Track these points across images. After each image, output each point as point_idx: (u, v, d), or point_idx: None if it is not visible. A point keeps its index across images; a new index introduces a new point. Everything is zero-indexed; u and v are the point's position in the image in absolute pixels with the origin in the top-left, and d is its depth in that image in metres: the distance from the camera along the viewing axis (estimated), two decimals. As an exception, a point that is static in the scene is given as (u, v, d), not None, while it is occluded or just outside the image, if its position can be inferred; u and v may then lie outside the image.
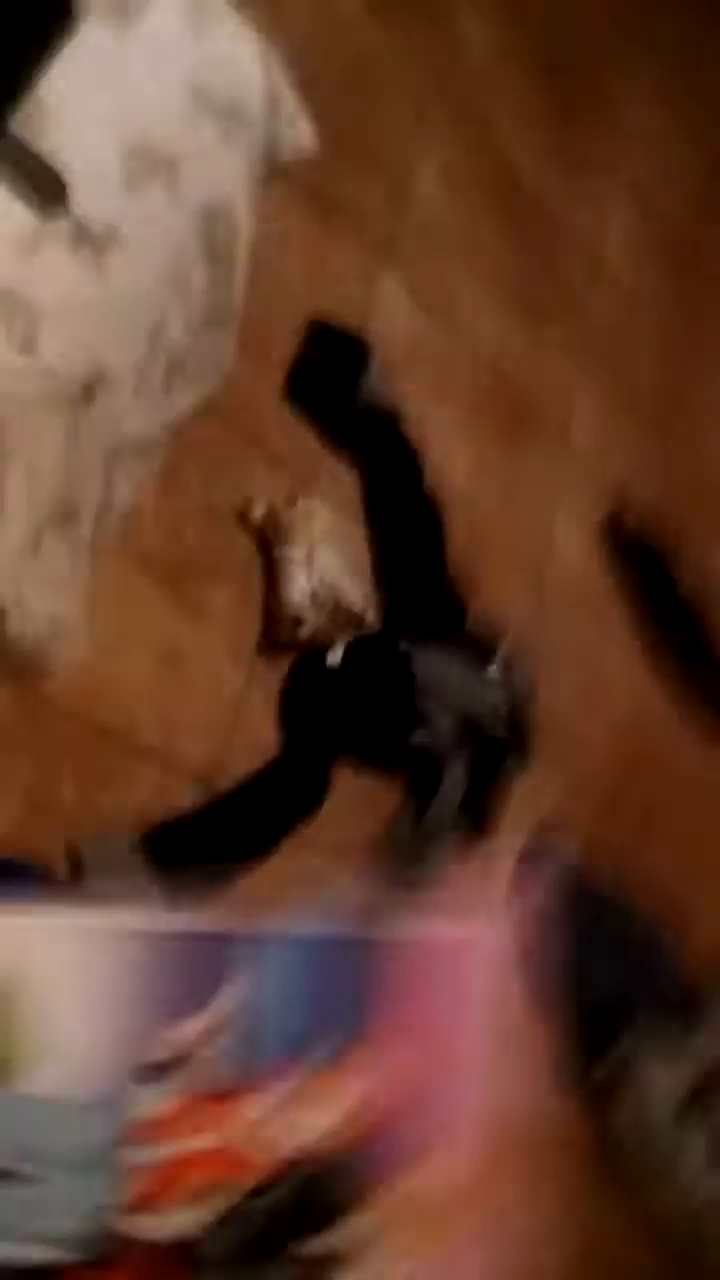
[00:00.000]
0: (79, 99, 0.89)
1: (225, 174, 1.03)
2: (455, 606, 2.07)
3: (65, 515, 0.97)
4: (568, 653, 2.15)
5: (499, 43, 2.47)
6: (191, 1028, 0.32)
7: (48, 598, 0.99)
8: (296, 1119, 0.32)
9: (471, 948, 0.35)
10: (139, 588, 1.62)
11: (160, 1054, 0.32)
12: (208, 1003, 0.32)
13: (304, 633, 1.84)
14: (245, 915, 0.34)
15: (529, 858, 1.60)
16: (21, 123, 0.86)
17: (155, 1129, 0.31)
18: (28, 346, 0.85)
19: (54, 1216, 0.30)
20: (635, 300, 2.54)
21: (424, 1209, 0.33)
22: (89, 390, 0.92)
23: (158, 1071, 0.32)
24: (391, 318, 2.16)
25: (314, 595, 1.86)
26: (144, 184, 0.94)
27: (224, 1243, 0.31)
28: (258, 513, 1.87)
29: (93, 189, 0.89)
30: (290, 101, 1.11)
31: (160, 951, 0.32)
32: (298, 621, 1.83)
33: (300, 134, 1.14)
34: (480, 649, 2.03)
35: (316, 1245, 0.32)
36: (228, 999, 0.32)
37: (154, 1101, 0.31)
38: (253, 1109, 0.32)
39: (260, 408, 1.86)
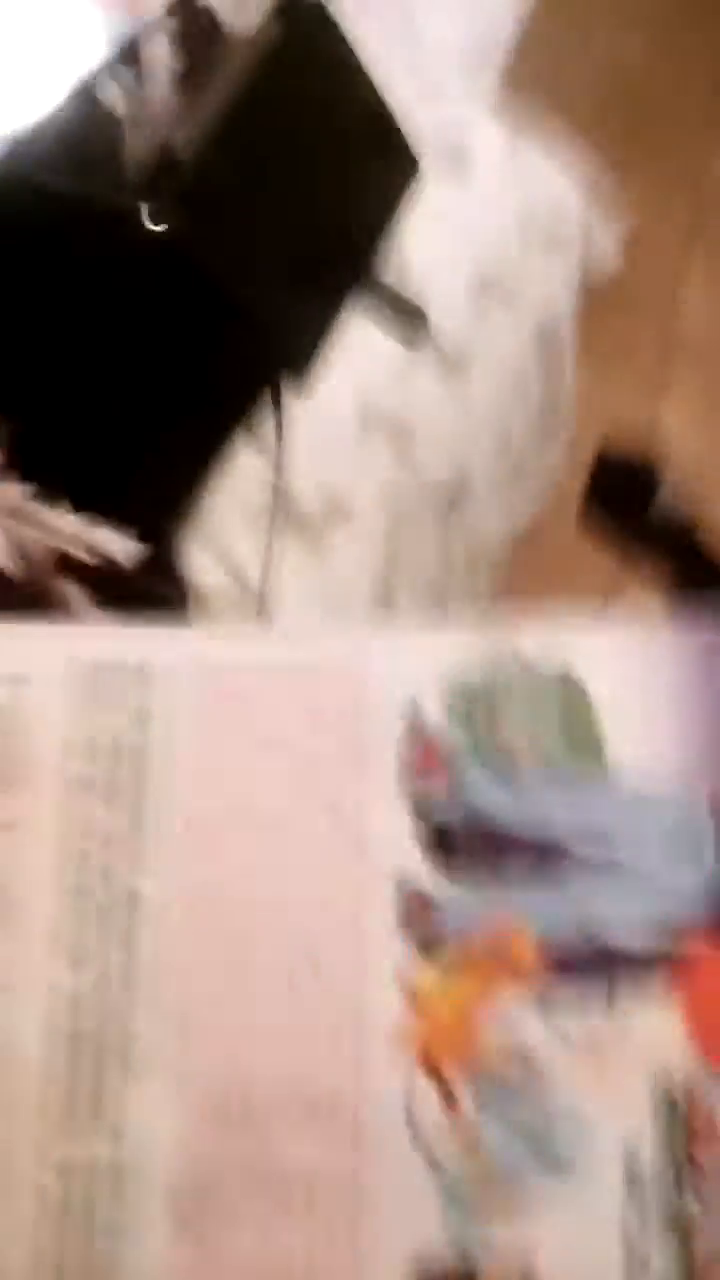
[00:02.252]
0: (429, 244, 0.99)
1: (552, 298, 1.11)
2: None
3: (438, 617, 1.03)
4: None
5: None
6: None
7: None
8: None
9: None
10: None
11: None
12: None
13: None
14: None
15: None
16: (386, 269, 0.97)
17: None
18: (409, 464, 0.93)
19: (661, 899, 0.32)
20: None
21: None
22: (455, 499, 0.99)
23: None
24: (676, 440, 2.19)
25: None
26: (489, 311, 1.02)
27: None
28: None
29: (448, 320, 0.99)
30: (600, 228, 1.20)
31: (697, 657, 0.33)
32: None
33: (609, 255, 1.22)
34: None
35: None
36: None
37: None
38: None
39: (560, 539, 1.92)
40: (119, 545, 0.67)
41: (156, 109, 0.79)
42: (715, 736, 0.33)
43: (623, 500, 2.20)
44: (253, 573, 0.83)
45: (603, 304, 2.12)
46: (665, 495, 2.24)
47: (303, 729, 0.33)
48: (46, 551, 0.64)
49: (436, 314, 0.99)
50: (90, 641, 0.34)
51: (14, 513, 0.63)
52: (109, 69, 0.74)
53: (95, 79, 0.72)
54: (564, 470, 1.64)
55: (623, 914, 0.32)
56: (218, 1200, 0.30)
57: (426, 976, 0.31)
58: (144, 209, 0.67)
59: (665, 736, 0.33)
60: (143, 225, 0.67)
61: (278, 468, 0.78)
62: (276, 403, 0.76)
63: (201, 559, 0.82)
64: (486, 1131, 0.30)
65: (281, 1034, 0.30)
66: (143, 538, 0.69)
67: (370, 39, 0.95)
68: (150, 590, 0.68)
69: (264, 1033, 0.30)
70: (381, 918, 0.31)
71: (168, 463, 0.73)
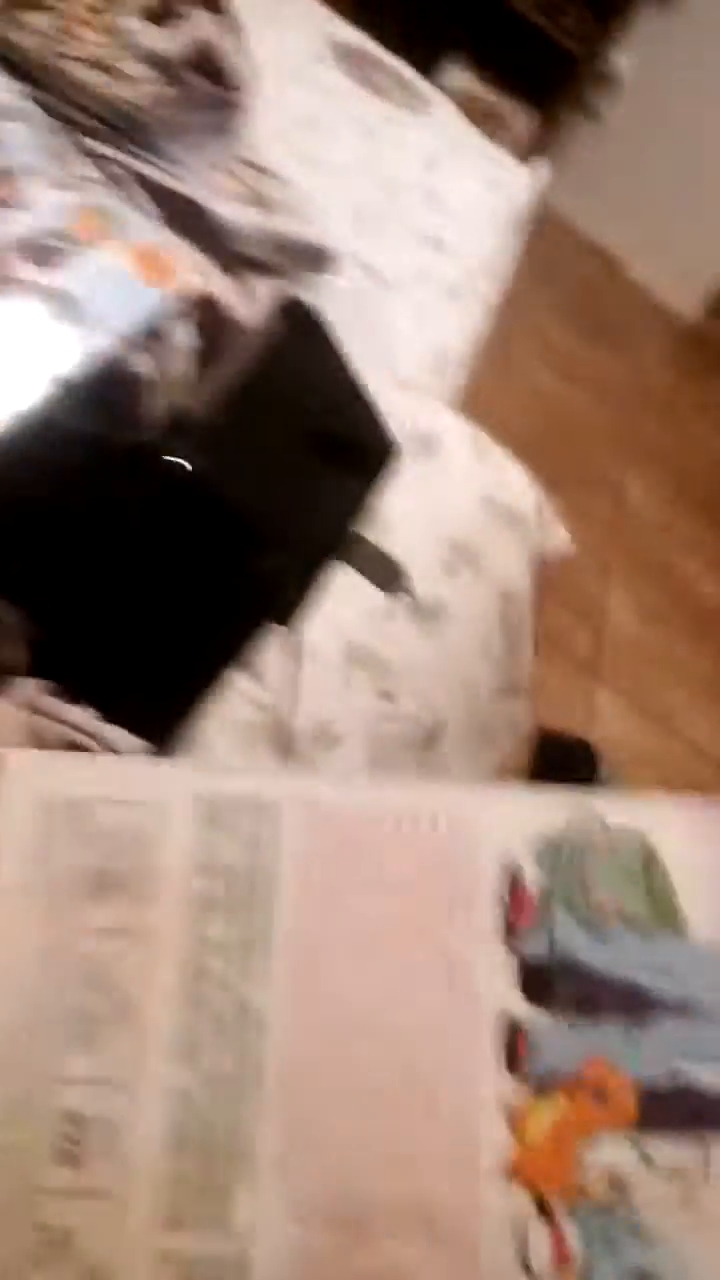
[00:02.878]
0: (404, 509, 1.10)
1: (513, 565, 1.21)
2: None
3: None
4: None
5: (661, 496, 2.80)
6: None
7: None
8: None
9: None
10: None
11: None
12: None
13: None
14: None
15: None
16: (368, 529, 1.06)
17: None
18: (388, 695, 0.99)
19: None
20: None
21: None
22: (431, 737, 1.04)
23: None
24: (610, 725, 2.30)
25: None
26: (458, 570, 1.12)
27: None
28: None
29: (422, 575, 1.08)
30: (549, 511, 1.33)
31: None
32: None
33: (559, 536, 1.34)
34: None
35: None
36: None
37: None
38: None
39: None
40: (124, 741, 0.70)
41: (175, 377, 0.90)
42: None
43: (563, 778, 2.27)
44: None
45: (543, 598, 2.28)
46: (602, 774, 2.31)
47: (407, 868, 0.36)
48: (60, 742, 0.67)
49: (412, 569, 1.08)
50: (213, 775, 0.38)
51: (33, 706, 0.67)
52: (140, 340, 0.84)
53: (128, 346, 0.82)
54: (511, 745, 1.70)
55: (710, 1058, 0.35)
56: None
57: (530, 1109, 0.33)
58: (163, 447, 0.75)
59: None
60: (160, 461, 0.75)
61: (280, 693, 0.83)
62: (290, 634, 0.82)
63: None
64: (592, 1265, 0.32)
65: (392, 1153, 0.32)
66: (145, 739, 0.73)
67: (347, 339, 1.10)
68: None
69: (376, 1149, 0.32)
70: (486, 1051, 0.34)
71: (173, 677, 0.78)
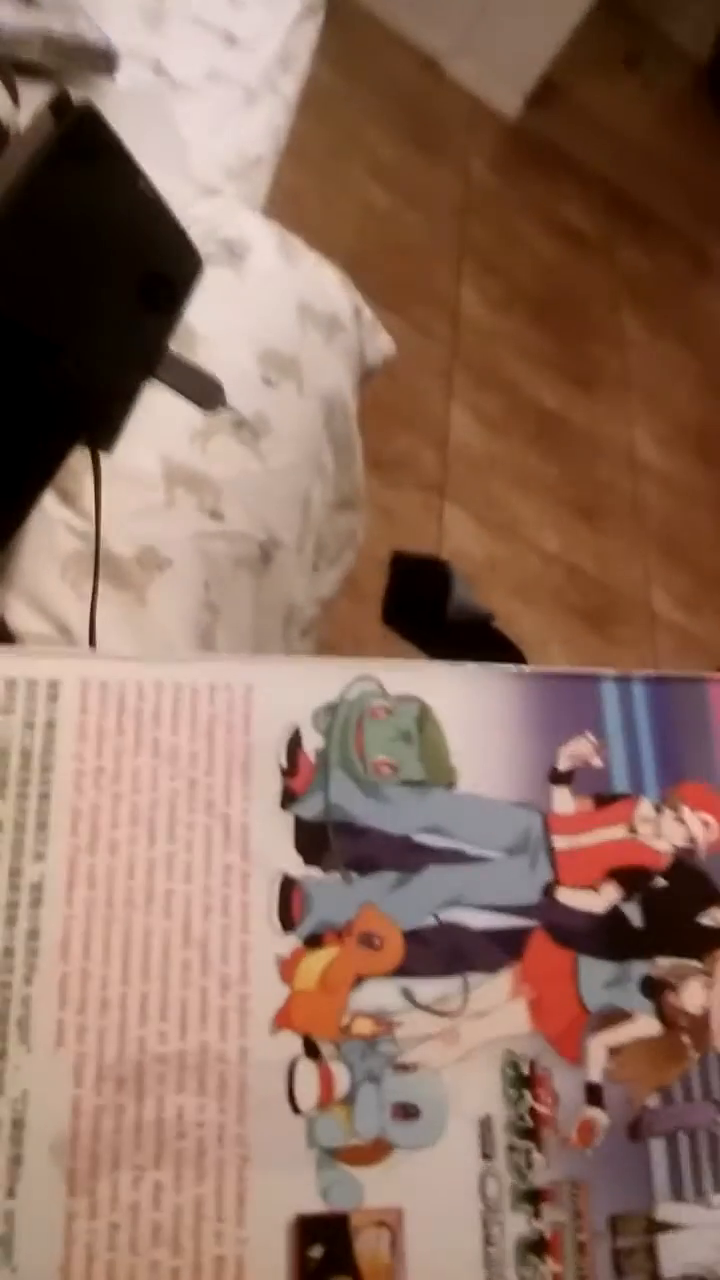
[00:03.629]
0: (215, 322, 1.06)
1: (334, 372, 1.18)
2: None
3: (259, 677, 1.05)
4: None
5: (494, 304, 2.78)
6: (583, 744, 0.39)
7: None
8: (678, 821, 0.39)
9: None
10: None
11: (563, 763, 0.39)
12: (591, 726, 0.40)
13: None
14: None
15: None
16: (178, 344, 1.02)
17: (571, 822, 0.38)
18: (216, 514, 0.97)
19: (503, 889, 0.37)
20: (675, 484, 2.71)
21: None
22: (267, 554, 1.03)
23: (565, 777, 0.39)
24: (462, 541, 2.33)
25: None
26: (277, 380, 1.09)
27: (634, 915, 0.38)
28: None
29: (240, 388, 1.04)
30: (369, 315, 1.29)
31: (546, 687, 0.40)
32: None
33: (382, 341, 1.32)
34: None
35: (712, 915, 0.38)
36: (609, 721, 0.40)
37: (566, 800, 0.39)
38: (644, 810, 0.39)
39: (365, 639, 1.99)
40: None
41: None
42: (544, 765, 0.39)
43: (420, 599, 2.30)
44: (71, 619, 0.83)
45: (384, 422, 2.26)
46: (459, 590, 2.35)
47: (192, 742, 0.37)
48: None
49: (228, 384, 1.04)
50: (6, 659, 0.38)
51: None
52: None
53: None
54: (362, 570, 1.71)
55: (474, 906, 0.37)
56: (109, 1158, 0.32)
57: (302, 960, 0.35)
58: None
59: (507, 761, 0.39)
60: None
61: (97, 516, 0.80)
62: (94, 457, 0.78)
63: (16, 606, 0.82)
64: (356, 1098, 0.34)
65: (172, 1012, 0.34)
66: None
67: (137, 147, 1.02)
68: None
69: (153, 1009, 0.34)
70: (263, 911, 0.36)
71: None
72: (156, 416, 0.97)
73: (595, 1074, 0.36)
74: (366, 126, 2.91)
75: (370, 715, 0.39)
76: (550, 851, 0.38)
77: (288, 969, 0.35)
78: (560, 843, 0.38)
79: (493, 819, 0.38)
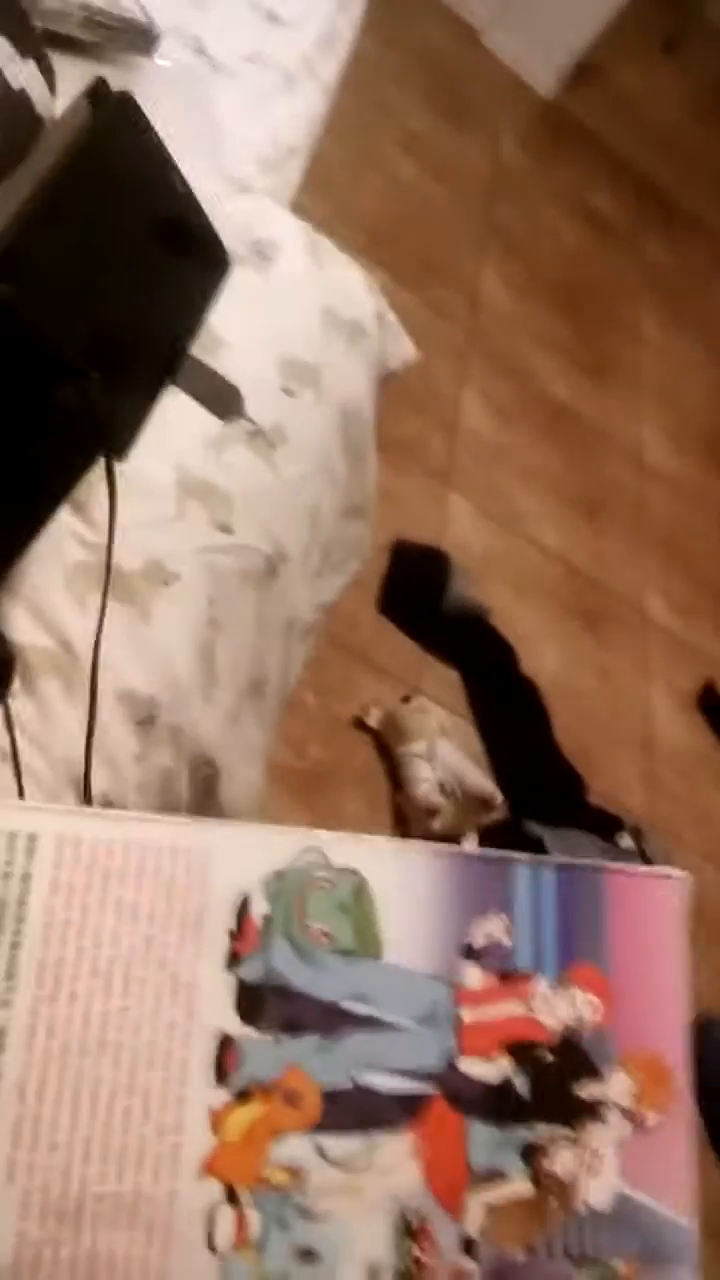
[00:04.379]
0: (240, 326, 1.04)
1: (354, 379, 1.17)
2: (573, 785, 2.11)
3: (256, 688, 1.05)
4: (686, 815, 2.17)
5: (515, 288, 2.74)
6: (495, 922, 0.42)
7: (247, 767, 1.05)
8: (568, 1000, 0.43)
9: (667, 890, 0.45)
10: (276, 801, 1.69)
11: (477, 940, 0.42)
12: (504, 906, 0.43)
13: (437, 824, 1.88)
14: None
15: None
16: (199, 349, 1.00)
17: (477, 996, 0.42)
18: (225, 527, 0.96)
19: (412, 1056, 0.40)
20: (681, 487, 2.70)
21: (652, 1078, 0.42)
22: (272, 568, 1.02)
23: (475, 953, 0.42)
24: (463, 531, 2.31)
25: (442, 785, 1.91)
26: (297, 389, 1.07)
27: (521, 1086, 0.41)
28: (374, 718, 1.95)
29: (259, 396, 1.03)
30: (393, 319, 1.28)
31: (468, 867, 0.43)
32: (431, 812, 1.87)
33: (403, 346, 1.30)
34: (606, 821, 2.05)
35: (587, 1089, 0.42)
36: (519, 903, 0.43)
37: (475, 975, 0.42)
38: (541, 988, 0.42)
39: (360, 625, 1.99)
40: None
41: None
42: (457, 938, 0.42)
43: (417, 590, 2.28)
44: (73, 633, 0.83)
45: (395, 404, 2.24)
46: (456, 583, 2.34)
47: (152, 900, 0.41)
48: None
49: (248, 391, 1.03)
50: None
51: None
52: None
53: None
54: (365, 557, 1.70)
55: (385, 1068, 0.41)
56: None
57: (231, 1113, 0.39)
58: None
59: (427, 934, 0.42)
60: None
61: (110, 532, 0.79)
62: (109, 469, 0.77)
63: (18, 617, 0.81)
64: (266, 1242, 0.38)
65: (113, 1155, 0.38)
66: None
67: (173, 132, 1.00)
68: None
69: (95, 1152, 0.38)
70: (200, 1064, 0.39)
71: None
72: (172, 424, 0.96)
73: (472, 1228, 0.39)
74: (398, 95, 2.85)
75: (313, 886, 0.42)
76: (456, 1023, 0.41)
77: (218, 1120, 0.39)
78: (466, 1015, 0.41)
79: (409, 989, 0.41)
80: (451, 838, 1.92)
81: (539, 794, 2.08)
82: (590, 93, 3.34)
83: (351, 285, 1.19)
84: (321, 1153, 0.39)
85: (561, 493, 2.50)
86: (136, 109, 0.96)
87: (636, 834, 2.01)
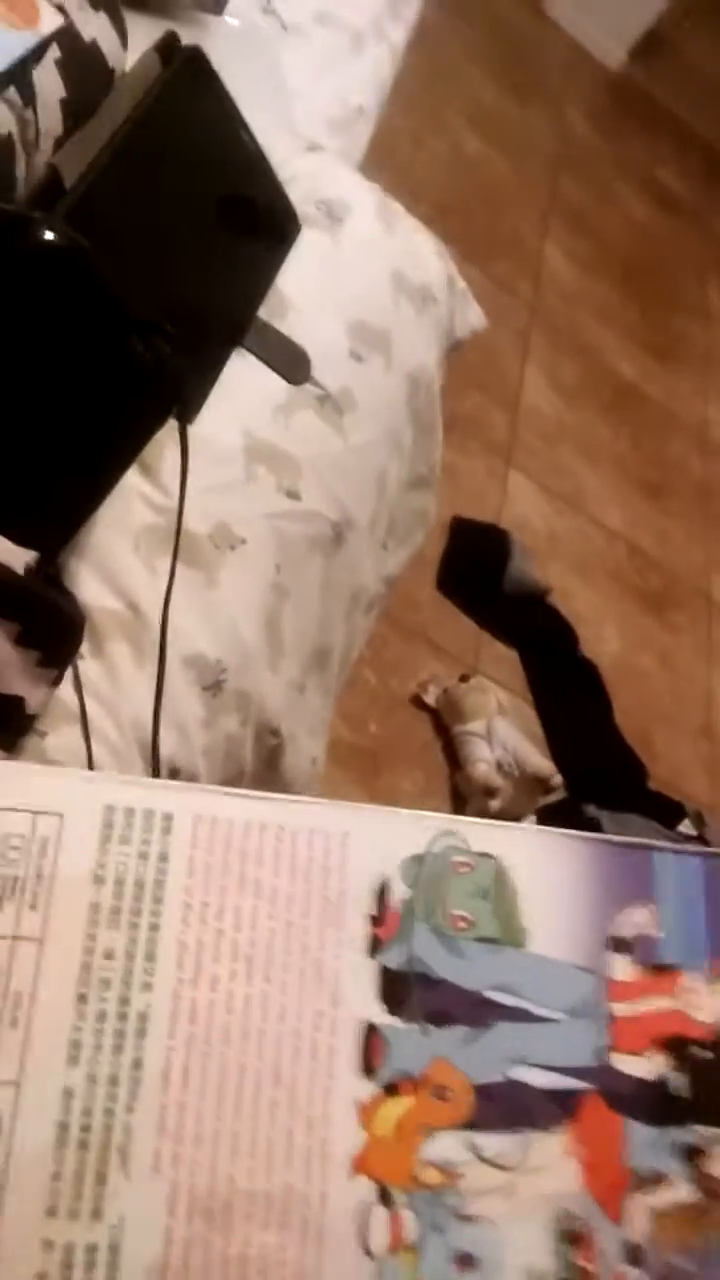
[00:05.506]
0: (308, 289, 1.02)
1: (423, 347, 1.14)
2: (633, 768, 2.07)
3: (320, 659, 1.03)
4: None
5: (580, 264, 2.70)
6: (643, 913, 0.41)
7: (310, 738, 1.04)
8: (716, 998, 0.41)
9: None
10: (333, 777, 1.67)
11: (625, 931, 0.41)
12: (649, 896, 0.41)
13: (495, 804, 1.85)
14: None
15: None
16: (267, 311, 0.98)
17: (626, 990, 0.40)
18: (293, 493, 0.94)
19: (564, 1051, 0.39)
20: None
21: None
22: (339, 535, 1.00)
23: (623, 945, 0.40)
24: (523, 509, 2.28)
25: (500, 765, 1.89)
26: (366, 355, 1.05)
27: (678, 1084, 0.39)
28: (432, 696, 1.93)
29: (327, 361, 1.01)
30: (463, 286, 1.25)
31: (610, 854, 0.42)
32: (489, 792, 1.85)
33: (472, 313, 1.27)
34: (666, 807, 2.01)
35: None
36: (666, 893, 0.41)
37: (624, 967, 0.40)
38: (691, 982, 0.40)
39: (420, 603, 1.97)
40: (14, 552, 0.65)
41: (43, 136, 0.80)
42: (603, 930, 0.41)
43: (477, 568, 2.26)
44: (141, 596, 0.81)
45: (457, 379, 2.20)
46: (516, 562, 2.30)
47: (291, 884, 0.39)
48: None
49: (316, 355, 1.01)
50: (124, 789, 0.40)
51: None
52: (0, 92, 0.74)
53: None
54: (427, 538, 1.68)
55: (536, 1063, 0.38)
56: None
57: (379, 1107, 0.37)
58: (39, 220, 0.67)
59: (571, 923, 0.40)
60: (37, 235, 0.66)
61: (181, 494, 0.77)
62: (182, 430, 0.76)
63: (87, 579, 0.80)
64: (423, 1246, 0.36)
65: (256, 1148, 0.36)
66: (35, 548, 0.67)
67: (242, 91, 0.98)
68: (48, 602, 0.66)
69: (242, 1146, 0.36)
70: (346, 1055, 0.37)
71: (63, 481, 0.72)
72: (240, 387, 0.94)
73: (635, 1234, 0.37)
74: (464, 65, 2.81)
75: (453, 870, 0.40)
76: (607, 1017, 0.39)
77: (366, 1115, 0.37)
78: (617, 1009, 0.39)
79: (557, 980, 0.39)
80: (509, 818, 1.90)
81: (598, 777, 2.05)
82: (659, 65, 3.26)
83: (422, 250, 1.17)
84: (475, 1150, 0.37)
85: (625, 472, 2.45)
86: (207, 65, 0.94)
87: (698, 820, 1.97)
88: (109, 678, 0.78)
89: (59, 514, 0.71)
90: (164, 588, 0.80)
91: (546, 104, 2.99)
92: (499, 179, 2.72)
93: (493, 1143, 0.37)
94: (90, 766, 0.73)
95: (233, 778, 0.90)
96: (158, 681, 0.75)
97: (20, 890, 0.37)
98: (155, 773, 0.77)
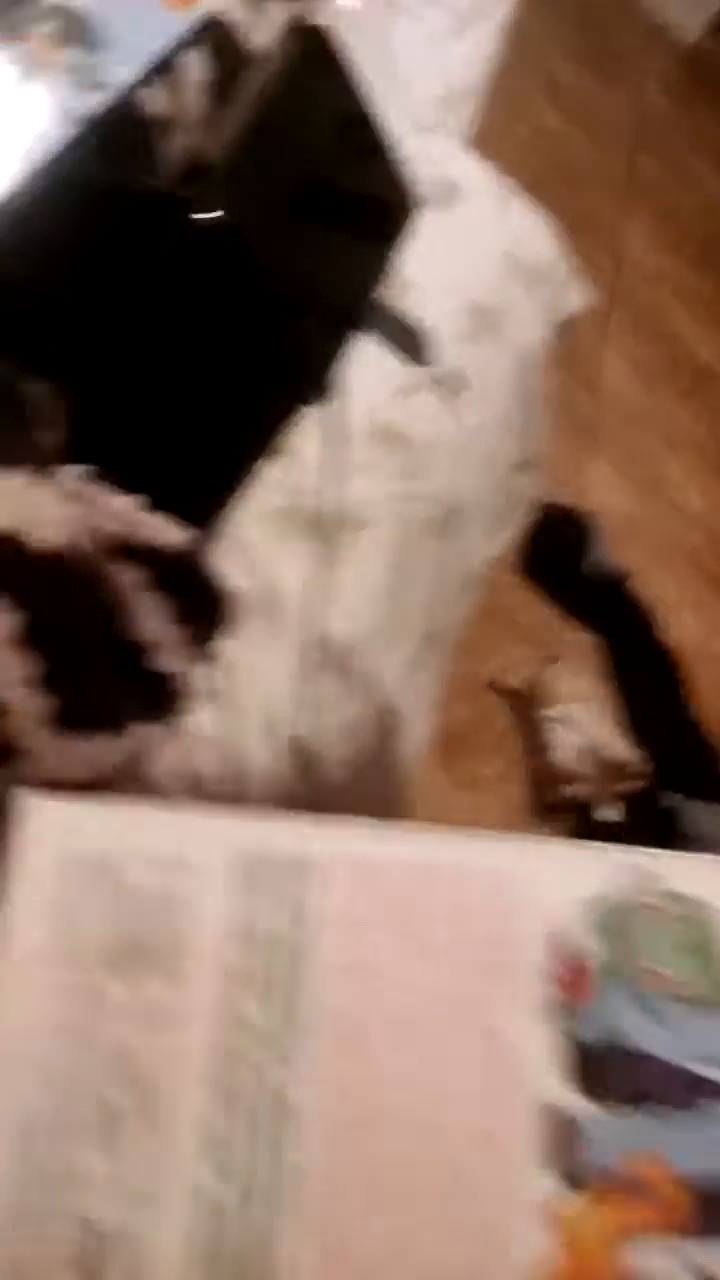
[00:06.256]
0: (426, 269, 1.02)
1: (532, 327, 1.14)
2: (713, 755, 2.05)
3: (432, 641, 1.03)
4: None
5: (659, 243, 2.66)
6: None
7: (421, 721, 1.04)
8: None
9: None
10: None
11: None
12: None
13: (576, 791, 1.85)
14: None
15: None
16: (388, 292, 0.98)
17: None
18: (412, 475, 0.94)
19: None
20: None
21: None
22: (453, 518, 1.00)
23: None
24: (604, 494, 2.26)
25: (580, 752, 1.88)
26: (479, 335, 1.05)
27: None
28: (513, 681, 1.93)
29: (444, 341, 1.01)
30: (568, 267, 1.24)
31: None
32: (570, 779, 1.84)
33: (578, 295, 1.26)
34: (748, 797, 1.99)
35: None
36: None
37: None
38: None
39: (501, 587, 1.96)
40: (173, 531, 0.66)
41: (189, 115, 0.80)
42: None
43: (558, 552, 2.24)
44: (276, 576, 0.82)
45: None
46: (597, 547, 2.29)
47: (450, 933, 0.33)
48: (105, 535, 0.62)
49: (433, 336, 1.01)
50: (251, 831, 0.34)
51: (74, 496, 0.62)
52: (147, 76, 0.74)
53: (136, 84, 0.72)
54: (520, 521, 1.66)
55: None
56: None
57: (571, 1209, 0.30)
58: (194, 201, 0.67)
59: None
60: (193, 216, 0.67)
61: (326, 478, 0.77)
62: (324, 409, 0.76)
63: (225, 562, 0.80)
64: None
65: (426, 1263, 0.29)
66: (188, 527, 0.68)
67: (359, 71, 0.98)
68: (204, 579, 0.67)
69: (410, 1260, 0.29)
70: (528, 1146, 0.31)
71: (212, 460, 0.72)
72: (364, 369, 0.94)
73: None
74: (544, 42, 2.77)
75: (646, 918, 0.33)
76: None
77: (555, 1220, 0.30)
78: None
79: None
80: (589, 805, 1.89)
81: (678, 764, 2.03)
82: (739, 40, 3.20)
83: (532, 229, 1.16)
84: (692, 1267, 0.30)
85: (706, 458, 2.42)
86: (335, 45, 0.94)
87: (781, 807, 1.95)
88: (245, 657, 0.78)
89: (209, 493, 0.72)
90: (297, 569, 0.80)
91: (625, 80, 2.95)
92: (578, 156, 2.69)
93: (715, 1256, 0.30)
94: (227, 748, 0.74)
95: (354, 758, 0.90)
96: (295, 664, 0.76)
97: (147, 952, 0.32)
98: (296, 757, 0.77)
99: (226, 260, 0.67)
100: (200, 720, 0.73)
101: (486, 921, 0.33)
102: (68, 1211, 0.28)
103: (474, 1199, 0.29)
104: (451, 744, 1.86)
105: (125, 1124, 0.29)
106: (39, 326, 0.62)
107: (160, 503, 0.65)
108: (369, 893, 0.33)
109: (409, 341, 0.98)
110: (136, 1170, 0.29)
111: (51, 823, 0.33)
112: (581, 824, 1.90)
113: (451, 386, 1.01)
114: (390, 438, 0.94)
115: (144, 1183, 0.29)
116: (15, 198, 0.61)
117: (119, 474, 0.63)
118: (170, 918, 0.32)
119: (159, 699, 0.67)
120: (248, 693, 0.77)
